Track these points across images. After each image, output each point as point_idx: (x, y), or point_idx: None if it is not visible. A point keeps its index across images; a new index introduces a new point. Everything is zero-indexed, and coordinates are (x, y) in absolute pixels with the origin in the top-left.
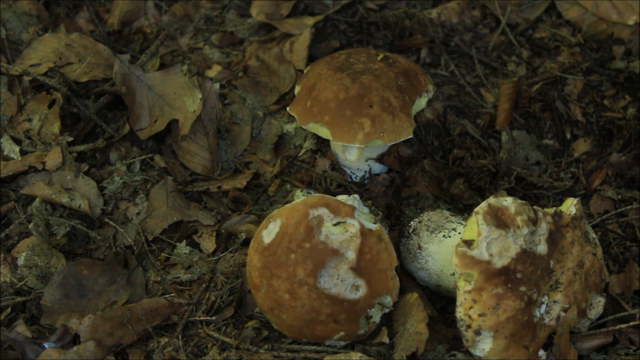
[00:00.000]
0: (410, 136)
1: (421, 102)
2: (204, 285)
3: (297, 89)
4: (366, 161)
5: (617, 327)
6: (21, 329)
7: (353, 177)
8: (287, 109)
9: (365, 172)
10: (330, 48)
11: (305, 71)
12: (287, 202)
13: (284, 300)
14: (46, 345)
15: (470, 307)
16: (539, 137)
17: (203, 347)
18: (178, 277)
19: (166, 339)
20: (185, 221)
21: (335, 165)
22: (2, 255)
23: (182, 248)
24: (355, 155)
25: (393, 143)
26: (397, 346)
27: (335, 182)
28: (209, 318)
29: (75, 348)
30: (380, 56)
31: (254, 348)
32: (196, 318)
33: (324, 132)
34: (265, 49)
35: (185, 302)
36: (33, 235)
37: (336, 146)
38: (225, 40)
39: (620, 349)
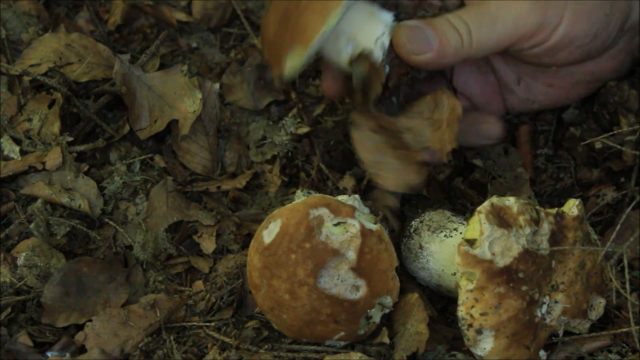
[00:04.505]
0: None
1: None
2: (203, 286)
3: (263, 27)
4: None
5: (619, 330)
6: (23, 339)
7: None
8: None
9: None
10: None
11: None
12: (287, 202)
13: (284, 300)
14: (49, 354)
15: (472, 306)
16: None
17: (203, 347)
18: (177, 279)
19: (166, 340)
20: (185, 221)
21: None
22: (2, 255)
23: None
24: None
25: None
26: (398, 346)
27: None
28: (208, 323)
29: (80, 358)
30: None
31: (254, 348)
32: (195, 323)
33: (328, 22)
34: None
35: (185, 304)
36: (33, 236)
37: (331, 53)
38: (226, 40)
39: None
